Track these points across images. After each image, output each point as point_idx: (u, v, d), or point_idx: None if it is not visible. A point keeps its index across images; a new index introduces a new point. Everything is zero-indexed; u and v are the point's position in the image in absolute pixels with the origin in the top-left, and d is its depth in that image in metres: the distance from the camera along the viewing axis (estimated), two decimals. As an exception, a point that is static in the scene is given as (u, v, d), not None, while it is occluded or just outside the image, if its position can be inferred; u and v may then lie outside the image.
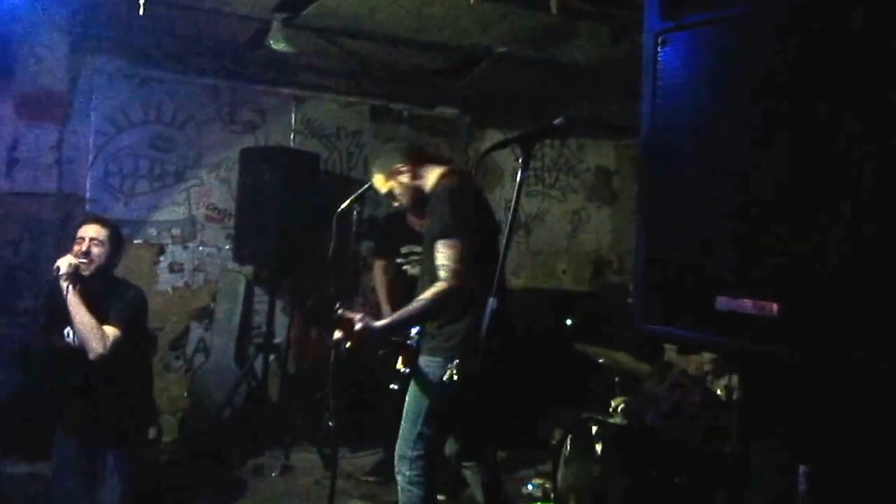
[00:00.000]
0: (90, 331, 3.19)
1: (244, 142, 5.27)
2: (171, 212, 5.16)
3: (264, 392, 5.06)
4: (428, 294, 2.91)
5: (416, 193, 3.18)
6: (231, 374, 5.01)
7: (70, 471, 3.40)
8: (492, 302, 2.15)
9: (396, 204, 3.29)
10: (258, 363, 5.09)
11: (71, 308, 3.20)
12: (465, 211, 3.00)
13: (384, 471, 4.30)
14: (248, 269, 5.27)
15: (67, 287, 3.20)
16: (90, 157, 4.97)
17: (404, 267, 4.53)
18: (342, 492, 4.33)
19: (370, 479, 4.56)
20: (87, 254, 3.29)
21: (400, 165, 3.18)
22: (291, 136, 5.53)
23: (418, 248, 4.52)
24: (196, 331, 5.22)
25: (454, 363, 2.83)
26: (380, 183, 3.24)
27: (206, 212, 5.25)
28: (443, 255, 2.93)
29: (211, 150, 5.26)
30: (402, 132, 5.90)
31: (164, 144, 5.16)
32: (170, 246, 5.15)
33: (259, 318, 5.31)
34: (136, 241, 5.03)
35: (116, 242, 3.42)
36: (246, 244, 5.01)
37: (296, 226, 4.93)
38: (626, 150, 6.69)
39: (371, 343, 3.02)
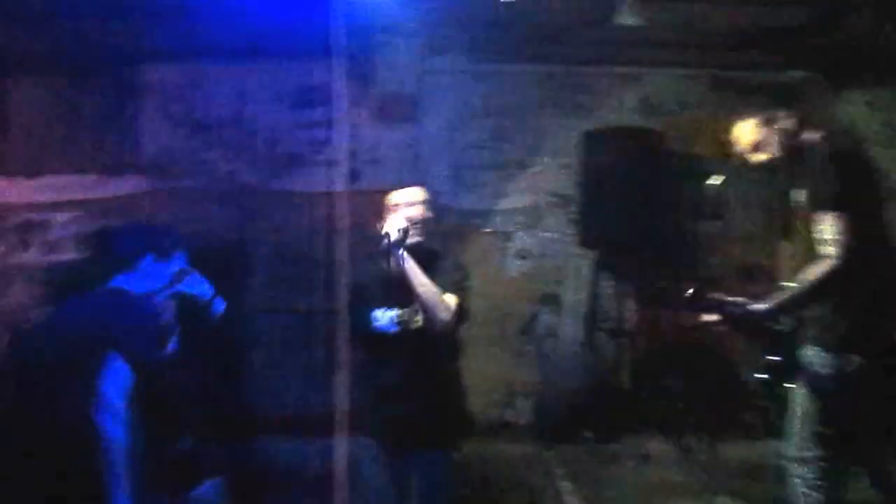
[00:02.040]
0: (434, 298, 2.94)
1: (582, 125, 5.21)
2: (516, 200, 5.28)
3: (615, 378, 4.97)
4: (814, 272, 2.58)
5: (792, 145, 2.82)
6: (580, 360, 5.00)
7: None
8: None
9: (759, 158, 2.94)
10: (607, 348, 5.01)
11: (410, 277, 2.93)
12: (854, 176, 2.63)
13: (755, 465, 3.99)
14: (593, 253, 5.21)
15: (401, 255, 2.93)
16: (441, 153, 5.24)
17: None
18: (704, 486, 4.11)
19: (738, 473, 4.26)
20: (412, 218, 3.07)
21: (780, 112, 2.84)
22: (628, 116, 5.36)
23: None
24: (544, 316, 5.28)
25: (850, 356, 2.49)
26: (747, 130, 2.92)
27: (548, 198, 5.29)
28: (829, 227, 2.59)
29: (549, 136, 5.28)
30: (748, 101, 5.45)
31: (504, 134, 5.29)
32: (516, 233, 5.27)
33: (606, 303, 5.23)
34: (484, 230, 5.22)
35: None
36: (589, 228, 4.97)
37: (639, 206, 4.78)
38: None
39: (748, 327, 2.76)
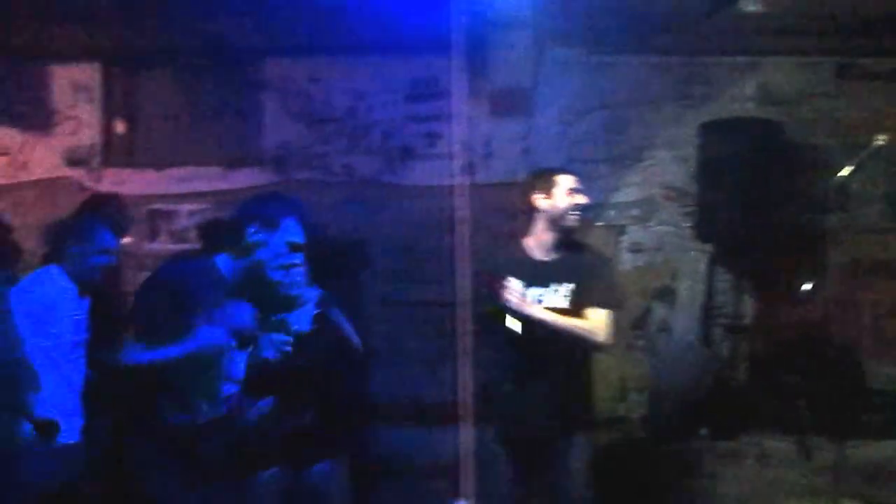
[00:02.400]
0: (582, 331, 3.12)
1: (698, 117, 5.12)
2: (630, 193, 5.24)
3: (732, 374, 4.89)
4: None
5: None
6: (695, 355, 4.94)
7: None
8: None
9: None
10: (723, 344, 4.93)
11: (550, 324, 3.09)
12: None
13: (882, 467, 3.87)
14: (709, 247, 5.12)
15: (531, 312, 3.07)
16: (554, 146, 5.24)
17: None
18: (828, 487, 3.99)
19: (863, 475, 4.13)
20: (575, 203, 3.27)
21: None
22: (747, 106, 5.24)
23: None
24: (658, 310, 5.23)
25: None
26: None
27: (662, 191, 5.23)
28: None
29: (665, 128, 5.21)
30: (874, 89, 5.24)
31: (618, 127, 5.24)
32: (630, 227, 5.23)
33: (723, 298, 5.13)
34: (597, 224, 5.20)
35: None
36: (706, 221, 4.89)
37: (759, 200, 4.68)
38: None
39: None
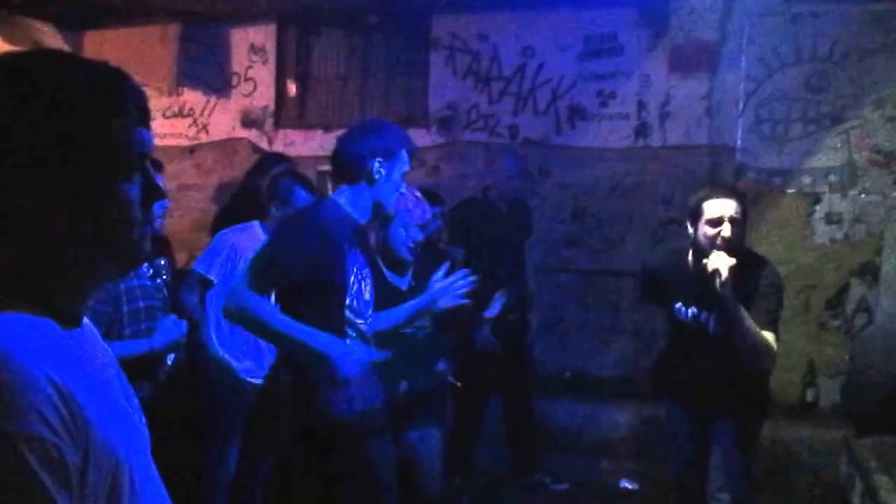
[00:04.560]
0: (758, 347, 2.73)
1: (914, 72, 4.50)
2: (828, 157, 4.68)
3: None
4: None
5: None
6: None
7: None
8: None
9: None
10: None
11: (735, 320, 2.71)
12: None
13: None
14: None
15: (729, 295, 2.69)
16: (741, 105, 4.78)
17: None
18: None
19: None
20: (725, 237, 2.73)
21: None
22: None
23: None
24: (857, 288, 4.67)
25: None
26: None
27: (869, 155, 4.63)
28: None
29: (875, 85, 4.60)
30: None
31: (819, 84, 4.69)
32: (826, 195, 4.68)
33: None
34: (788, 191, 4.70)
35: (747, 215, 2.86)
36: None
37: None
38: None
39: None
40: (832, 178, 4.67)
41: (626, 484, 4.39)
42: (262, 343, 2.98)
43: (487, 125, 5.28)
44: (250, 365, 3.22)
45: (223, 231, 3.41)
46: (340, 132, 2.65)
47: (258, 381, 2.86)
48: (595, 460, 4.58)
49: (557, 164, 5.13)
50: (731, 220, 2.75)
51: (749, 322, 2.73)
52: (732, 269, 2.68)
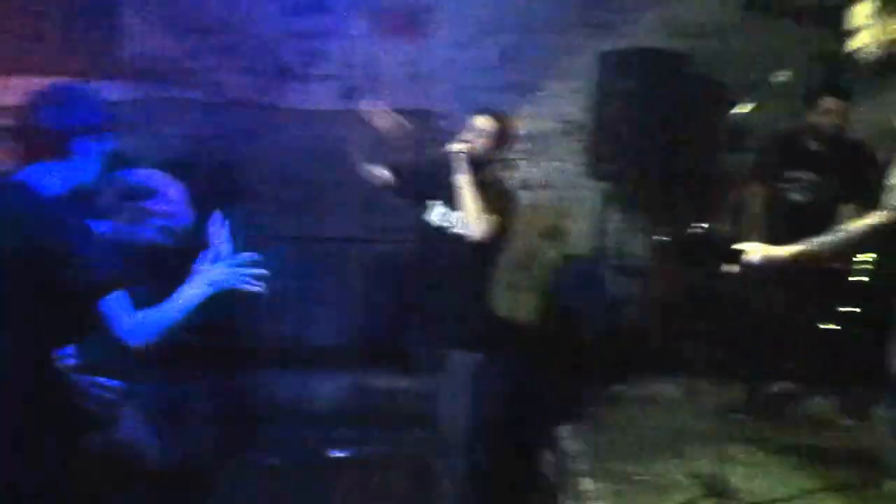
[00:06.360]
0: (471, 214, 3.50)
1: (600, 46, 4.80)
2: (522, 126, 4.89)
3: (620, 316, 4.69)
4: (860, 224, 2.27)
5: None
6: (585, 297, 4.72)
7: None
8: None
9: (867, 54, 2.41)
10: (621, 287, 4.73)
11: (459, 188, 3.56)
12: None
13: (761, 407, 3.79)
14: (603, 186, 4.86)
15: (461, 166, 3.56)
16: (444, 73, 4.86)
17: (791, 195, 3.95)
18: (713, 432, 3.81)
19: (740, 416, 3.97)
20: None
21: None
22: (653, 37, 4.93)
23: (806, 175, 4.03)
24: (547, 250, 4.95)
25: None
26: (866, 15, 2.31)
27: (556, 125, 4.90)
28: None
29: (563, 57, 4.87)
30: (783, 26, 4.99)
31: (513, 54, 4.88)
32: (518, 162, 4.89)
33: (614, 239, 4.89)
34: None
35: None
36: (601, 158, 4.62)
37: (658, 136, 4.45)
38: None
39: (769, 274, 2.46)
40: (526, 145, 4.88)
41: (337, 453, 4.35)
42: None
43: (190, 81, 4.93)
44: None
45: None
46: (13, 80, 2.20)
47: None
48: (303, 430, 4.48)
49: (266, 125, 4.92)
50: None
51: (469, 195, 3.63)
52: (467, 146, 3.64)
